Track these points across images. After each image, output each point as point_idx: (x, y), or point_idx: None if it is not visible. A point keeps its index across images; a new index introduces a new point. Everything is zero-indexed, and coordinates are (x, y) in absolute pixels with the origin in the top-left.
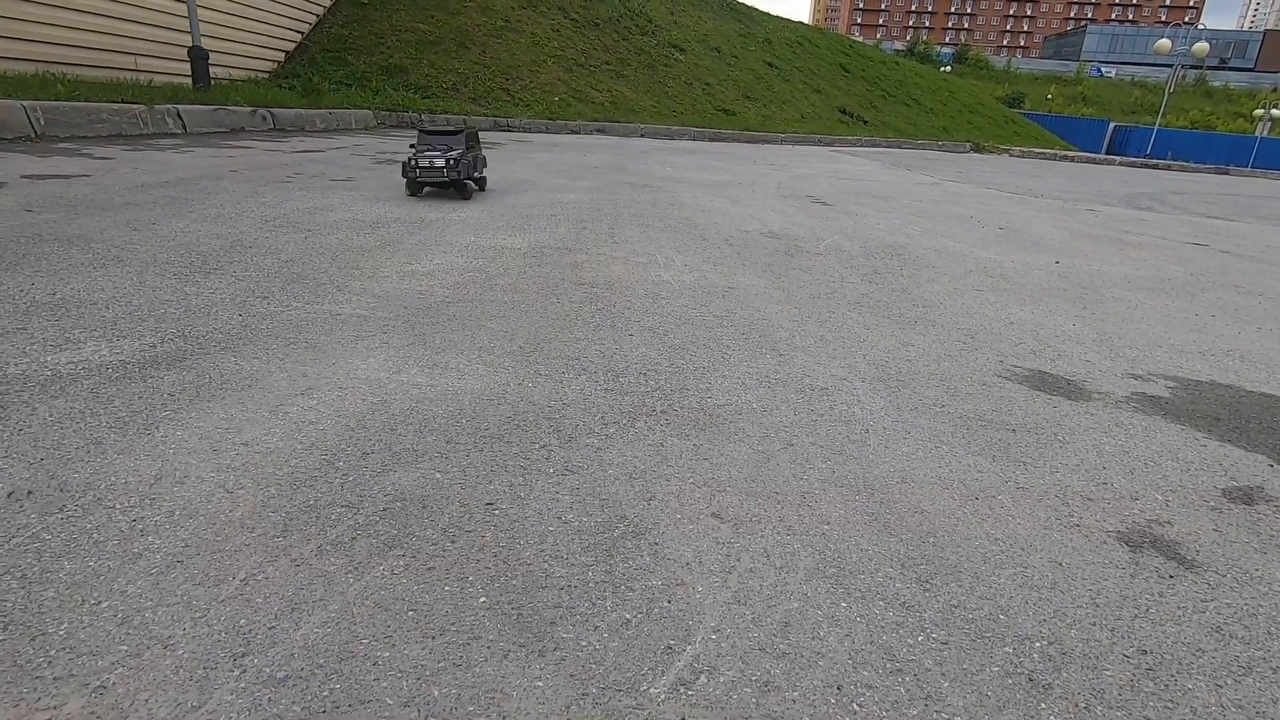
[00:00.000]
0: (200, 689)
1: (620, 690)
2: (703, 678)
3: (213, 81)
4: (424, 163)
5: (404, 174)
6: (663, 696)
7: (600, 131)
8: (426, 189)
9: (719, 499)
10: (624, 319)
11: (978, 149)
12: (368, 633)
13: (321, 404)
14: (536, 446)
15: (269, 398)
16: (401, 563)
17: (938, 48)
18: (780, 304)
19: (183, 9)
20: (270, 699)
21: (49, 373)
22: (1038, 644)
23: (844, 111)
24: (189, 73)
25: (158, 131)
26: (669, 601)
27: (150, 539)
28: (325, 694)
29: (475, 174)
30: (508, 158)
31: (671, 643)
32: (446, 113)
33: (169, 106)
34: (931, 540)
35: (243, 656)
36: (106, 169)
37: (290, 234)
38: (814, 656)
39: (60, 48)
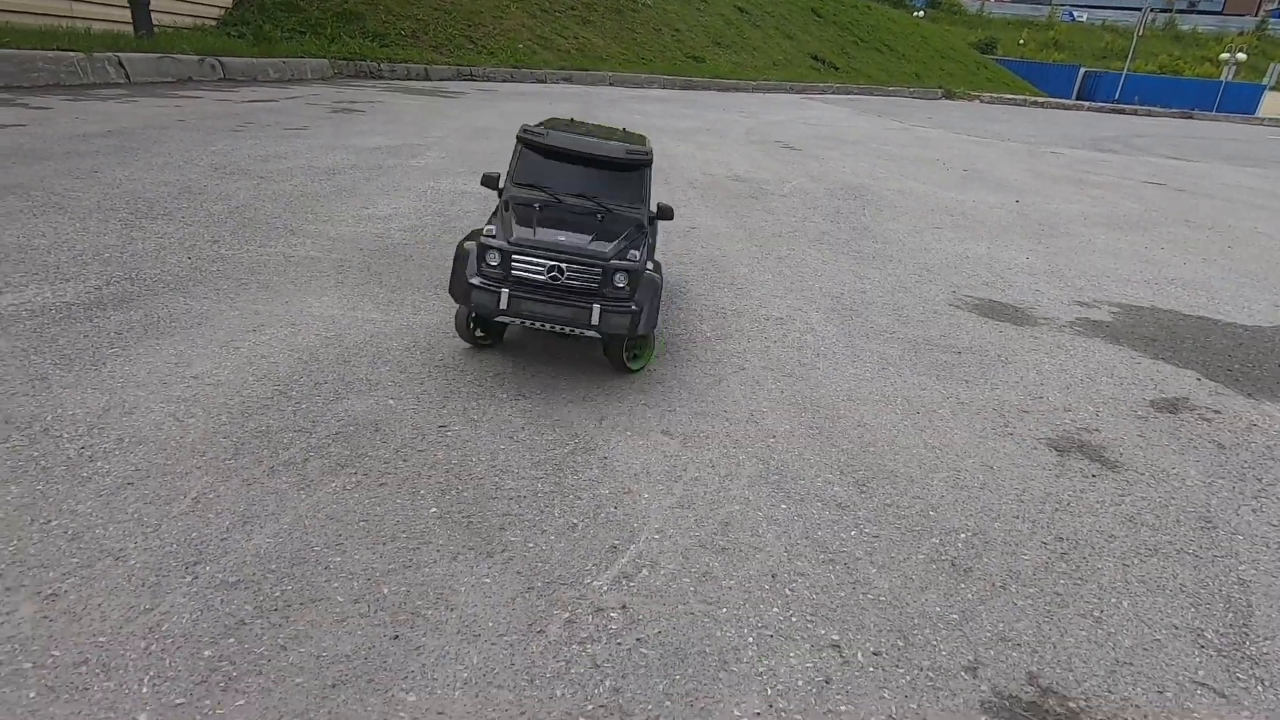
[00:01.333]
0: (152, 594)
1: (565, 584)
2: (644, 571)
3: (155, 29)
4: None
5: (458, 292)
6: (605, 588)
7: (567, 80)
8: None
9: (669, 418)
10: None
11: (949, 95)
12: (319, 541)
13: (274, 339)
14: (490, 375)
15: (220, 334)
16: (354, 480)
17: None
18: (741, 243)
19: None
20: (222, 600)
21: None
22: (962, 535)
23: (816, 58)
24: (130, 19)
25: (99, 81)
26: (615, 507)
27: (99, 464)
28: (277, 594)
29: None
30: (470, 107)
31: (616, 543)
32: (408, 61)
33: (109, 54)
34: (871, 449)
35: (194, 565)
36: (43, 118)
37: (242, 180)
38: (751, 551)
39: None
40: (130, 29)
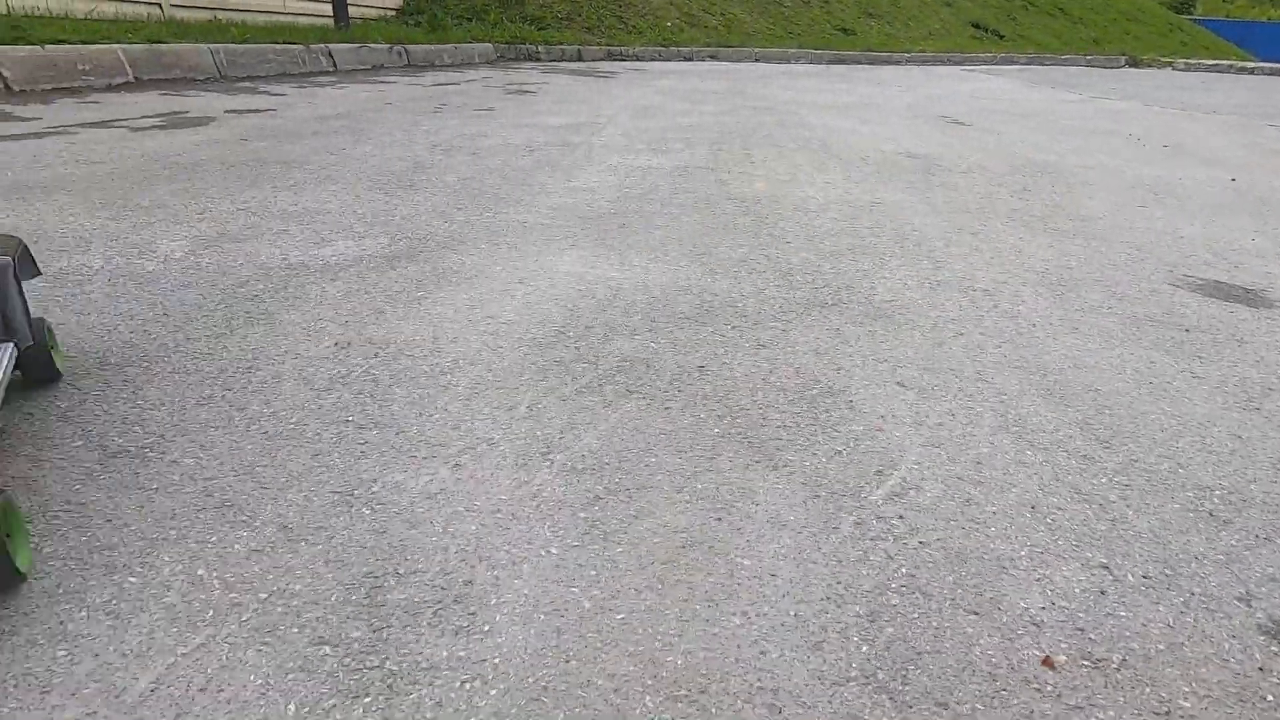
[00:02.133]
0: (526, 471)
1: (844, 495)
2: (912, 492)
3: (350, 20)
4: None
5: None
6: (880, 502)
7: (713, 58)
8: None
9: (900, 372)
10: (778, 229)
11: (1134, 63)
12: (634, 446)
13: (537, 290)
14: (729, 327)
15: (495, 285)
16: (643, 403)
17: None
18: (928, 217)
19: None
20: (578, 481)
21: (320, 263)
22: (1217, 492)
23: (977, 26)
24: (329, 13)
25: (314, 69)
26: (871, 441)
27: (450, 377)
28: (616, 480)
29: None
30: (628, 86)
31: (880, 468)
32: (562, 43)
33: (321, 46)
34: (1108, 412)
35: (548, 454)
36: (286, 104)
37: (459, 156)
38: (1006, 486)
39: None
40: (330, 21)
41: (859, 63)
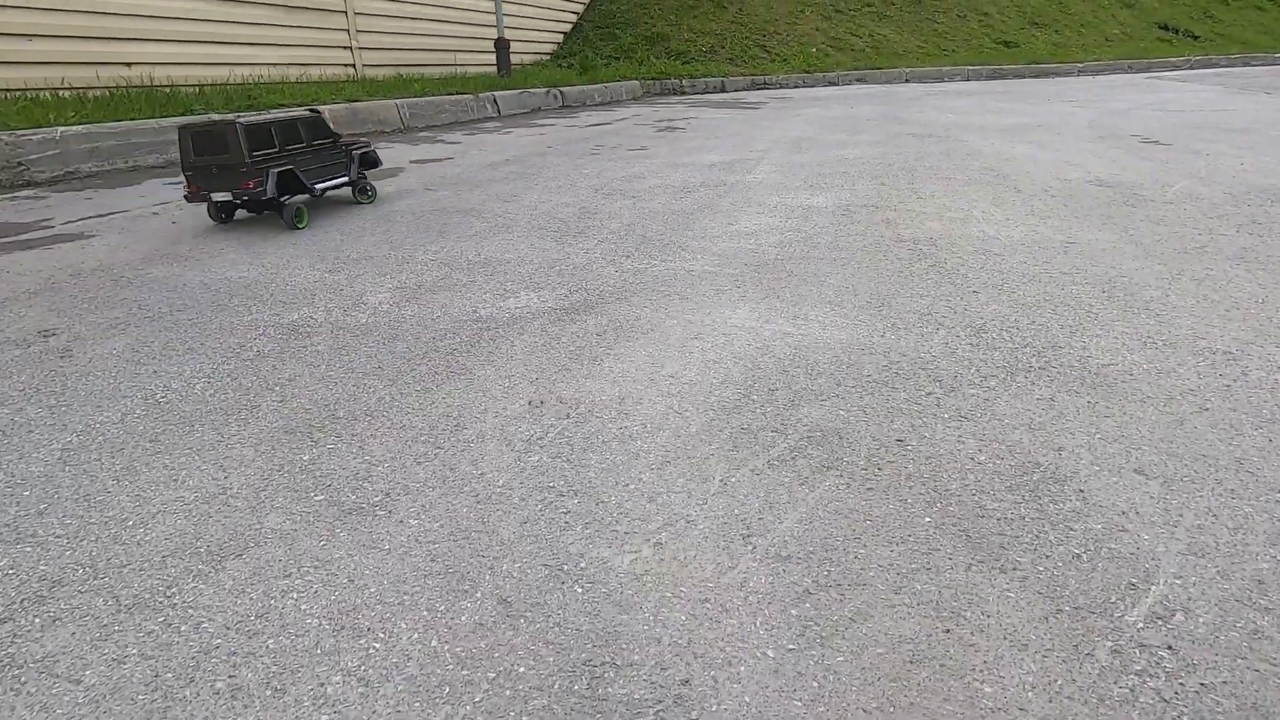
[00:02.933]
0: (728, 555)
1: (1094, 613)
2: (1179, 615)
3: (511, 67)
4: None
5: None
6: (1141, 624)
7: (860, 80)
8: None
9: (1136, 455)
10: (960, 275)
11: None
12: (838, 533)
13: (715, 347)
14: (923, 394)
15: (672, 340)
16: (841, 481)
17: None
18: (1137, 259)
19: (487, 5)
20: (783, 570)
21: (507, 315)
22: None
23: (1165, 27)
24: (492, 62)
25: (480, 116)
26: (1115, 544)
27: (638, 444)
28: (824, 573)
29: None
30: (776, 117)
31: (1133, 580)
32: (706, 76)
33: (488, 94)
34: None
35: (748, 537)
36: (460, 152)
37: (620, 200)
38: None
39: (406, 52)
40: (493, 69)
41: (1021, 76)
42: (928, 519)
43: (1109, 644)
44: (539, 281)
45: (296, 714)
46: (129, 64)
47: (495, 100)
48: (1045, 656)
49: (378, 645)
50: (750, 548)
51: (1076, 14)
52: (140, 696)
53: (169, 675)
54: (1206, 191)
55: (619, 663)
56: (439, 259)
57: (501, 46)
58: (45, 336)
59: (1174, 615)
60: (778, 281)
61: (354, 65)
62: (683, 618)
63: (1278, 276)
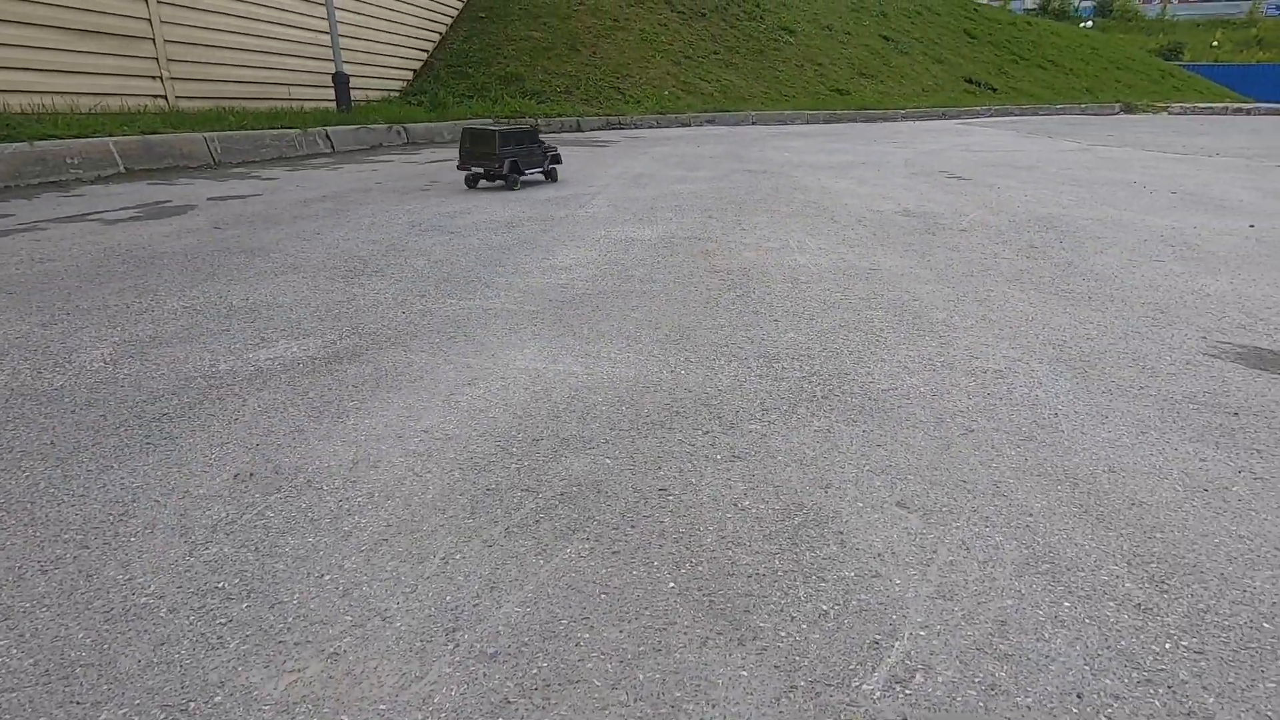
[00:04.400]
0: (420, 660)
1: (831, 685)
2: (918, 676)
3: (353, 103)
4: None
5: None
6: (878, 694)
7: (710, 122)
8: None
9: (901, 487)
10: (766, 305)
11: (1128, 109)
12: (565, 613)
13: (488, 393)
14: (700, 433)
15: (440, 388)
16: (586, 546)
17: (1075, 2)
18: (930, 284)
19: (327, 40)
20: (485, 673)
21: (251, 368)
22: None
23: (971, 81)
24: (333, 97)
25: (311, 152)
26: (865, 594)
27: (356, 518)
28: (534, 672)
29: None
30: (623, 154)
31: (877, 637)
32: (561, 115)
33: (320, 129)
34: (1158, 536)
35: (453, 631)
36: (274, 188)
37: (436, 236)
38: (1042, 660)
39: (229, 84)
40: (334, 104)
41: (854, 121)
42: (672, 584)
43: None
44: (306, 328)
45: None
46: None
47: (328, 135)
48: None
49: None
50: (452, 646)
51: (897, 66)
52: None
53: None
54: (995, 219)
55: None
56: (192, 306)
57: (340, 81)
58: None
59: (913, 677)
60: (579, 317)
61: (165, 96)
62: None
63: (1045, 294)
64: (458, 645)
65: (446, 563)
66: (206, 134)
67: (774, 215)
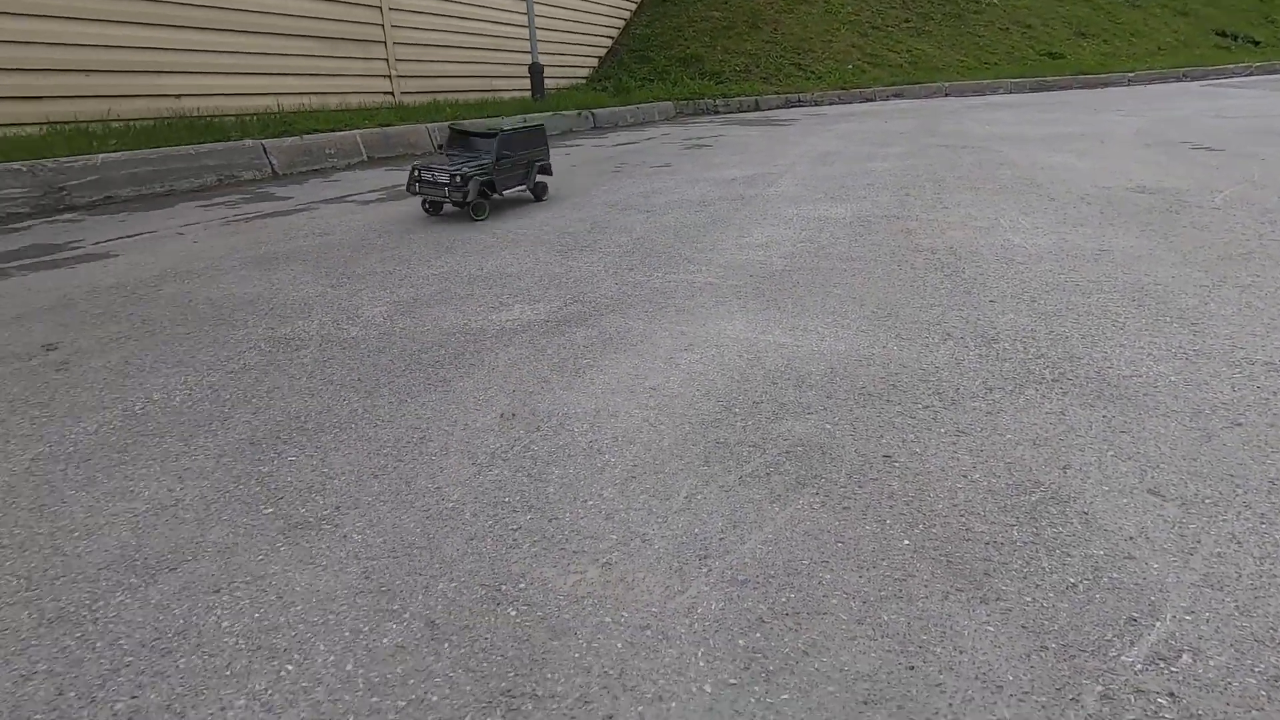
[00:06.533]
0: (680, 578)
1: (1085, 652)
2: (1185, 656)
3: (546, 91)
4: (427, 176)
5: (408, 186)
6: (1139, 666)
7: (897, 96)
8: (445, 207)
9: (1153, 475)
10: (978, 285)
11: None
12: (805, 555)
13: (705, 359)
14: (919, 407)
15: (660, 351)
16: (817, 500)
17: None
18: (1175, 267)
19: (524, 34)
20: (738, 595)
21: (496, 328)
22: None
23: (1223, 34)
24: (528, 87)
25: None
26: (1118, 573)
27: (606, 457)
28: (783, 600)
29: (514, 186)
30: (806, 132)
31: (1135, 615)
32: (740, 94)
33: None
34: None
35: (705, 558)
36: None
37: (634, 215)
38: None
39: (441, 79)
40: (528, 94)
41: (1069, 88)
42: (906, 542)
43: (1099, 688)
44: (536, 295)
45: None
46: (178, 96)
47: None
48: (1022, 700)
49: (290, 668)
50: (705, 570)
51: (1126, 23)
52: (37, 717)
53: (71, 694)
54: (1259, 196)
55: (540, 693)
56: (441, 273)
57: (535, 72)
58: (47, 350)
59: (1179, 657)
60: (781, 293)
61: (393, 93)
62: (619, 645)
63: None
64: (710, 570)
65: (690, 501)
66: (428, 125)
67: (979, 192)
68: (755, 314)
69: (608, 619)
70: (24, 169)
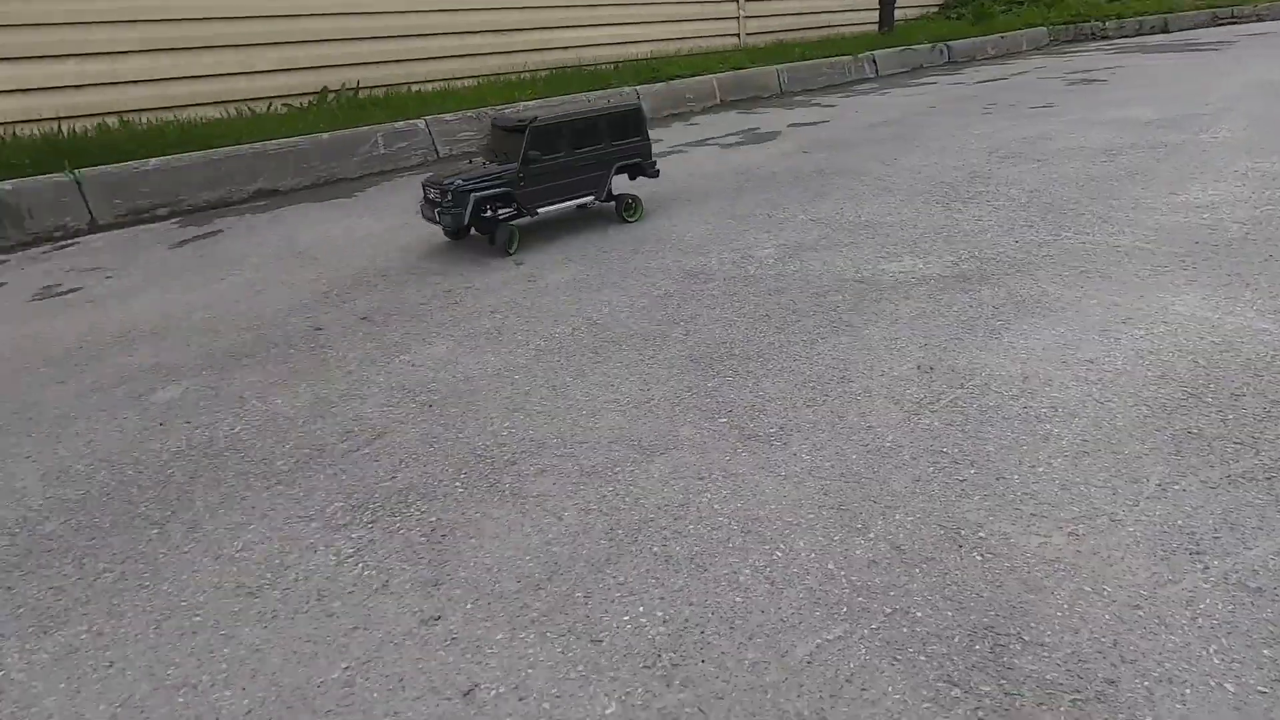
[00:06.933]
0: (1168, 568)
1: None
2: None
3: (895, 23)
4: (432, 193)
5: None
6: None
7: None
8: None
9: None
10: None
11: None
12: None
13: (1152, 335)
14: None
15: (1090, 322)
16: None
17: None
18: None
19: None
20: (1250, 601)
21: (889, 279)
22: None
23: None
24: (871, 20)
25: (857, 78)
26: None
27: (1048, 426)
28: None
29: (544, 204)
30: (1247, 57)
31: None
32: (1140, 14)
33: (867, 54)
34: None
35: (1196, 554)
36: (835, 115)
37: (1021, 164)
38: None
39: (782, 18)
40: (873, 27)
41: None
42: None
43: None
44: (924, 248)
45: (715, 590)
46: (567, 48)
47: (874, 60)
48: None
49: (780, 554)
50: (1200, 566)
51: None
52: (601, 541)
53: (620, 532)
54: None
55: (1027, 638)
56: (818, 219)
57: (886, 1)
58: (517, 265)
59: None
60: (1246, 266)
61: (738, 35)
62: (1106, 617)
63: None
64: (1207, 569)
65: (1163, 490)
66: (777, 67)
67: None
68: (1213, 289)
69: (1087, 588)
70: (474, 115)
